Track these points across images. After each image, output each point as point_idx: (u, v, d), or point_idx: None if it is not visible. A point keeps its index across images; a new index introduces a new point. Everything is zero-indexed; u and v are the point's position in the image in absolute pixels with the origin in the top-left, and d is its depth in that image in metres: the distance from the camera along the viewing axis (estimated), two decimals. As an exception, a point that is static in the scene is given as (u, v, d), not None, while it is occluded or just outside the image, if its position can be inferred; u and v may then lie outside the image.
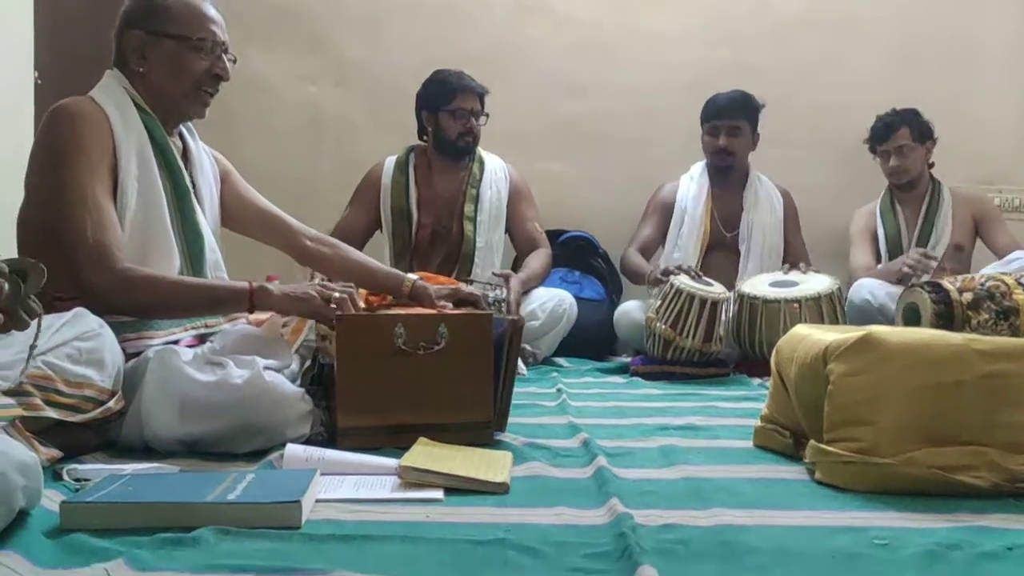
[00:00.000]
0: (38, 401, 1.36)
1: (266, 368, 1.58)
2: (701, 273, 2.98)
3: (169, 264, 1.75)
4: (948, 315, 2.36)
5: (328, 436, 1.63)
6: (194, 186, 1.88)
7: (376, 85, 3.84)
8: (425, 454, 1.43)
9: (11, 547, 0.99)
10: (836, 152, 3.70)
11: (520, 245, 3.31)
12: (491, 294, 2.72)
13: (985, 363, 1.36)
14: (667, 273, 2.91)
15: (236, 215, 2.03)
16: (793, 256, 3.31)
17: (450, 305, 1.94)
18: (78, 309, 1.52)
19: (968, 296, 2.36)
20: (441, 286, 2.05)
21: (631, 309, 3.18)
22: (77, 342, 1.46)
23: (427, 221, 3.17)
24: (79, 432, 1.46)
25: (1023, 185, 3.88)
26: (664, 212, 3.43)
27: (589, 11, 3.90)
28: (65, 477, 1.30)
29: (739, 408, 2.15)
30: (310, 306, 1.71)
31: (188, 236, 1.82)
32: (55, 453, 1.38)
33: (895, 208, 3.39)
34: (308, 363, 1.77)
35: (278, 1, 3.84)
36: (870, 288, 2.98)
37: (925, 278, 2.93)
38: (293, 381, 1.67)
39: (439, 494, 1.28)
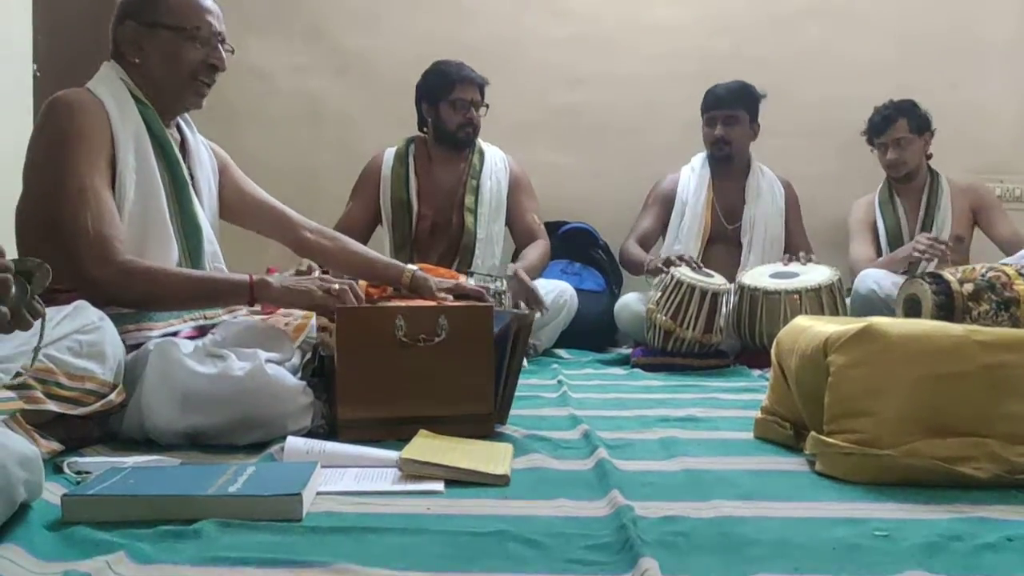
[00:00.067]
0: (39, 394, 1.36)
1: (267, 361, 1.59)
2: (701, 264, 2.97)
3: (167, 256, 1.75)
4: (949, 306, 2.35)
5: (329, 429, 1.63)
6: (192, 178, 1.88)
7: (376, 76, 3.83)
8: (426, 446, 1.43)
9: (12, 540, 0.99)
10: (837, 142, 3.69)
11: (519, 237, 3.30)
12: (491, 286, 2.72)
13: (986, 354, 1.36)
14: (668, 263, 2.91)
15: (235, 208, 2.03)
16: (794, 247, 3.30)
17: (451, 297, 1.94)
18: (79, 302, 1.52)
19: (969, 287, 2.36)
20: (443, 279, 2.05)
21: (631, 301, 3.18)
22: (78, 335, 1.46)
23: (427, 212, 3.17)
24: (80, 425, 1.46)
25: (1024, 175, 3.89)
26: (665, 204, 3.43)
27: (589, 2, 3.89)
28: (66, 470, 1.30)
29: (739, 400, 2.15)
30: (311, 298, 1.71)
31: (186, 228, 1.82)
32: (56, 446, 1.38)
33: (894, 200, 3.38)
34: (308, 356, 1.77)
35: (277, -9, 3.84)
36: (875, 278, 2.97)
37: (933, 264, 2.93)
38: (294, 373, 1.67)
39: (440, 486, 1.28)
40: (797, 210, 3.44)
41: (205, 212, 1.89)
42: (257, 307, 1.84)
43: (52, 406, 1.37)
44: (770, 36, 3.85)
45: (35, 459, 1.07)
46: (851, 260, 3.35)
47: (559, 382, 2.37)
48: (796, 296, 2.77)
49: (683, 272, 2.83)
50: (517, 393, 1.77)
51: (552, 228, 3.46)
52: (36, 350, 1.23)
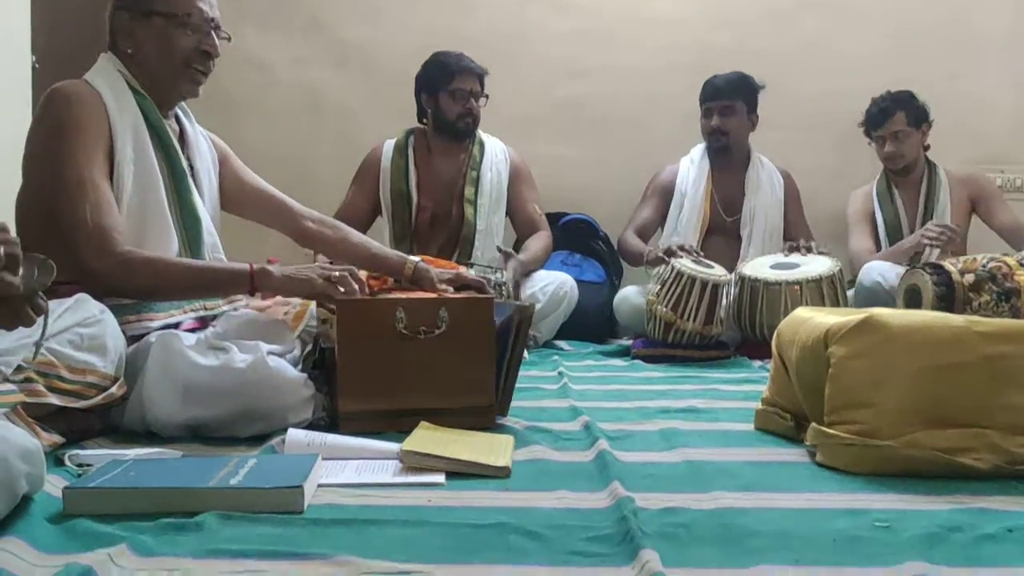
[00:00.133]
0: (40, 387, 1.36)
1: (269, 353, 1.59)
2: (702, 254, 2.97)
3: (167, 247, 1.75)
4: (949, 297, 2.36)
5: (330, 421, 1.64)
6: (192, 169, 1.87)
7: (376, 68, 3.82)
8: (427, 438, 1.43)
9: (14, 533, 0.99)
10: (836, 134, 3.69)
11: (520, 228, 3.30)
12: (492, 277, 2.72)
13: (986, 345, 1.36)
14: (670, 253, 2.91)
15: (236, 198, 2.03)
16: (796, 237, 3.27)
17: (451, 289, 1.94)
18: (80, 295, 1.52)
19: (970, 278, 2.36)
20: (444, 270, 2.05)
21: (630, 295, 3.18)
22: (79, 328, 1.46)
23: (427, 204, 3.16)
24: (81, 417, 1.46)
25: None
26: (664, 195, 3.42)
27: (590, -5, 3.89)
28: (67, 463, 1.31)
29: (740, 391, 2.15)
30: (311, 287, 1.71)
31: (185, 219, 1.81)
32: (57, 439, 1.38)
33: (892, 192, 3.37)
34: (309, 348, 1.77)
35: (276, -19, 3.83)
36: (880, 271, 2.95)
37: (936, 253, 2.92)
38: (295, 366, 1.67)
39: (441, 478, 1.29)
40: (797, 200, 3.43)
41: (205, 203, 1.89)
42: (258, 296, 1.83)
43: (53, 399, 1.38)
44: (770, 29, 3.84)
45: (36, 452, 1.07)
46: (851, 252, 3.34)
47: (560, 374, 2.37)
48: (797, 287, 2.77)
49: (683, 263, 2.82)
50: (517, 385, 1.77)
51: (552, 219, 3.45)
52: (38, 344, 1.23)
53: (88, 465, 1.29)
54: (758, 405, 1.71)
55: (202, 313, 1.80)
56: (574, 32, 3.86)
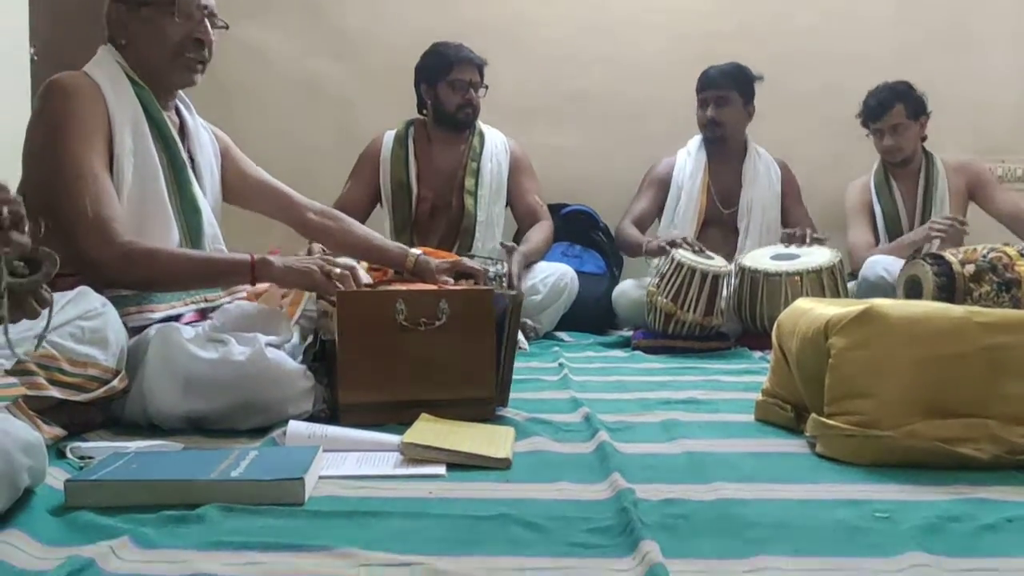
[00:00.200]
0: (42, 380, 1.36)
1: (267, 345, 1.59)
2: (703, 247, 2.96)
3: (168, 238, 1.75)
4: (950, 287, 2.35)
5: (330, 413, 1.64)
6: (192, 161, 1.87)
7: (375, 58, 3.81)
8: (427, 430, 1.43)
9: (16, 525, 0.99)
10: (838, 125, 3.67)
11: (521, 218, 3.29)
12: (491, 269, 2.72)
13: (986, 335, 1.36)
14: (673, 244, 2.90)
15: (238, 190, 2.03)
16: (796, 227, 3.26)
17: (451, 280, 1.94)
18: (81, 288, 1.52)
19: (970, 268, 2.36)
20: (441, 260, 2.05)
21: (628, 288, 3.17)
22: (81, 321, 1.46)
23: (427, 195, 3.16)
24: (83, 410, 1.46)
25: (1024, 155, 3.88)
26: (660, 187, 3.41)
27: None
28: (69, 455, 1.31)
29: (740, 382, 2.15)
30: (311, 279, 1.71)
31: (186, 210, 1.81)
32: (58, 432, 1.38)
33: (890, 183, 3.36)
34: (310, 340, 1.77)
35: (275, -28, 3.82)
36: (884, 264, 2.93)
37: (936, 244, 2.92)
38: (294, 355, 1.67)
39: (441, 470, 1.29)
40: (796, 190, 3.42)
41: (206, 195, 1.89)
42: (259, 287, 1.83)
43: (55, 392, 1.38)
44: (773, 19, 3.82)
45: (38, 445, 1.07)
46: (850, 245, 3.32)
47: (560, 365, 2.37)
48: (797, 278, 2.77)
49: (684, 254, 2.82)
50: (518, 376, 1.78)
51: (553, 210, 3.45)
52: (41, 336, 1.23)
53: (89, 458, 1.29)
54: (758, 396, 1.71)
55: (203, 305, 1.80)
56: (575, 22, 3.85)
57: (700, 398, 1.89)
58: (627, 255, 3.45)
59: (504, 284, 2.73)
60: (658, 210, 3.42)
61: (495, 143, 3.26)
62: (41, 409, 1.36)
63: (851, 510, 1.11)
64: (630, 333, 3.02)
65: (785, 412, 1.60)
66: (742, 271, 2.88)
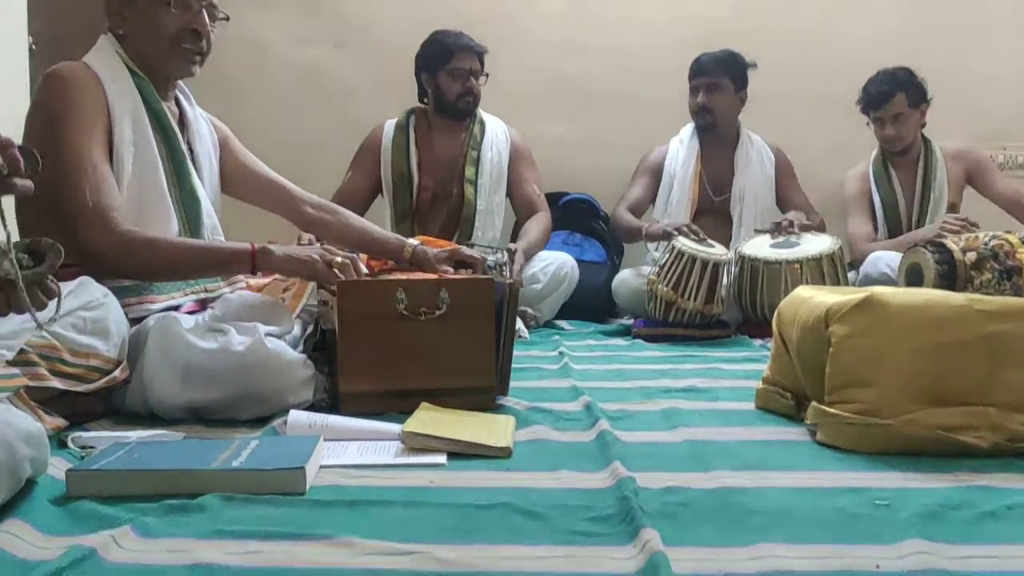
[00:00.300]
0: (43, 371, 1.36)
1: (267, 335, 1.59)
2: (704, 237, 2.96)
3: (167, 229, 1.75)
4: (951, 275, 2.35)
5: (331, 402, 1.64)
6: (191, 151, 1.87)
7: (376, 47, 3.80)
8: (428, 419, 1.44)
9: (18, 515, 0.99)
10: (838, 111, 3.66)
11: (519, 208, 3.29)
12: (491, 258, 2.72)
13: (987, 323, 1.36)
14: (677, 230, 2.90)
15: (236, 182, 2.03)
16: (795, 211, 3.25)
17: (451, 269, 1.94)
18: (82, 278, 1.52)
19: (971, 256, 2.35)
20: (440, 249, 2.05)
21: (628, 278, 3.17)
22: (82, 311, 1.46)
23: (428, 184, 3.16)
24: (84, 400, 1.47)
25: (1027, 142, 3.87)
26: (653, 175, 3.40)
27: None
28: (70, 445, 1.31)
29: (741, 370, 2.15)
30: (312, 268, 1.71)
31: (185, 201, 1.81)
32: (60, 422, 1.38)
33: (889, 172, 3.34)
34: (310, 329, 1.77)
35: (274, -39, 3.80)
36: (887, 261, 2.92)
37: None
38: (295, 347, 1.67)
39: (442, 459, 1.29)
40: (791, 175, 3.40)
41: (205, 186, 1.88)
42: (259, 274, 1.83)
43: (56, 383, 1.38)
44: (771, 3, 3.81)
45: (40, 436, 1.07)
46: (849, 235, 3.30)
47: (560, 353, 2.38)
48: (797, 266, 2.76)
49: (684, 242, 2.82)
50: (519, 365, 1.78)
51: (553, 199, 3.45)
52: (52, 320, 1.22)
53: (91, 447, 1.30)
54: (759, 384, 1.71)
55: (203, 295, 1.80)
56: (575, 10, 3.83)
57: (700, 386, 1.90)
58: (624, 241, 3.44)
59: (503, 273, 2.73)
60: (652, 198, 3.41)
61: (496, 132, 3.25)
62: (43, 399, 1.36)
63: (851, 498, 1.11)
64: (630, 321, 3.02)
65: (785, 400, 1.60)
66: (742, 259, 2.87)
